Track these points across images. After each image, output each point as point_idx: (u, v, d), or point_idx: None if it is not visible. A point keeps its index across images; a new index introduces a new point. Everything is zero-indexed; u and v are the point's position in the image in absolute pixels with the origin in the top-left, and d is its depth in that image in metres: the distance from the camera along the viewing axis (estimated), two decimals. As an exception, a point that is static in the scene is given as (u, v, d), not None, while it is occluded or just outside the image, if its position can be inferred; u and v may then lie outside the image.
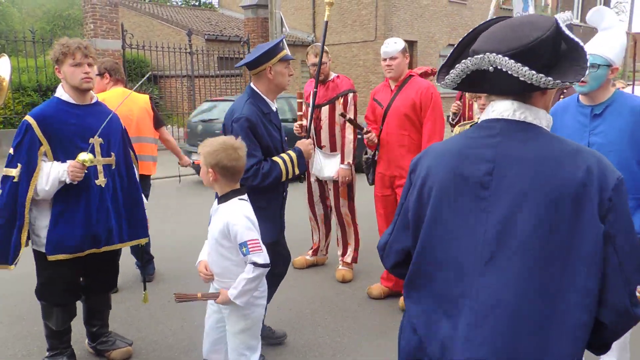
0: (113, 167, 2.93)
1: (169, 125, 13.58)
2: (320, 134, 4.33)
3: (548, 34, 1.18)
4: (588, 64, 1.19)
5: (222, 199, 2.33)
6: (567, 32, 1.19)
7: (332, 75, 4.31)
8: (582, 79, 1.19)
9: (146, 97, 4.42)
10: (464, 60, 1.22)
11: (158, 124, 4.45)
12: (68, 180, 2.69)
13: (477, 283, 1.22)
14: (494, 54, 1.18)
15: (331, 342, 3.38)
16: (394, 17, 18.59)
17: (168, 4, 35.49)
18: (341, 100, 4.23)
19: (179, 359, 3.18)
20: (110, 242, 2.92)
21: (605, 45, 2.43)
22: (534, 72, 1.16)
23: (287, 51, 3.01)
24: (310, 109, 3.46)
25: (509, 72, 1.17)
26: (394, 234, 1.49)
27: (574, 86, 2.50)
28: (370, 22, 18.73)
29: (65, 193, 2.76)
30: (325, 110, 4.26)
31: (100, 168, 2.84)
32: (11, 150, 2.73)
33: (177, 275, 4.46)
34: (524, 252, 1.17)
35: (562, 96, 4.05)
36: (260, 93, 2.95)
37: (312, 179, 4.53)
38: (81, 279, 3.05)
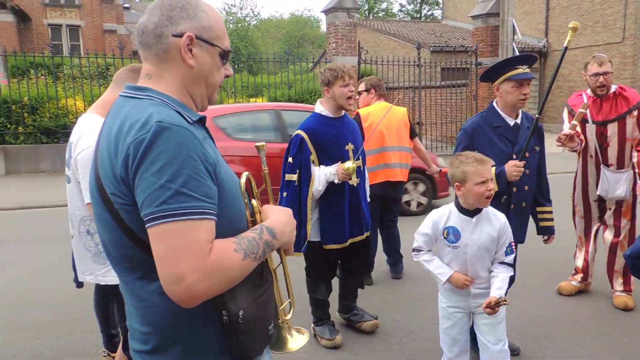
0: (361, 169, 3.45)
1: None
2: (606, 152, 3.95)
3: None
4: None
5: (478, 209, 2.50)
6: None
7: (613, 87, 3.93)
8: None
9: (404, 110, 4.84)
10: None
11: (412, 134, 4.83)
12: (336, 181, 3.23)
13: None
14: None
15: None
16: (648, 14, 16.22)
17: (393, 19, 36.96)
18: (635, 113, 3.82)
19: (436, 349, 3.43)
20: (362, 232, 3.47)
21: None
22: None
23: (521, 70, 2.98)
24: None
25: None
26: None
27: None
28: (616, 22, 16.68)
29: (329, 194, 3.31)
30: (612, 126, 3.87)
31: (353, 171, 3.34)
32: (290, 160, 3.31)
33: (422, 275, 4.76)
34: None
35: None
36: (496, 108, 3.13)
37: (592, 199, 4.17)
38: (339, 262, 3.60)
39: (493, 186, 2.45)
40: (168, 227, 1.10)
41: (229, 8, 48.20)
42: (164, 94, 1.26)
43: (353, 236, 3.41)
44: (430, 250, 2.62)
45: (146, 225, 1.12)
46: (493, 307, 2.30)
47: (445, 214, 2.56)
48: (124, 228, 1.19)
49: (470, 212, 2.50)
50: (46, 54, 12.39)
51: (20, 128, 11.22)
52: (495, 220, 2.52)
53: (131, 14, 31.89)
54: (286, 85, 13.72)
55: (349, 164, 3.17)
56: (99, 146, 1.25)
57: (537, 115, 3.06)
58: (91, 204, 1.27)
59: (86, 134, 2.15)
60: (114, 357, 3.10)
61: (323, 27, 52.46)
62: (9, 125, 11.17)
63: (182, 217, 1.11)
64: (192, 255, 1.11)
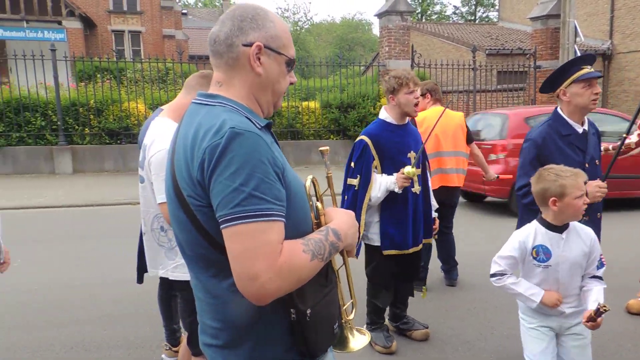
0: (422, 176, 3.46)
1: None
2: None
3: None
4: None
5: (566, 224, 2.38)
6: None
7: None
8: None
9: (461, 114, 4.77)
10: None
11: (470, 139, 4.75)
12: (397, 190, 3.21)
13: None
14: None
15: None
16: None
17: (447, 22, 36.40)
18: None
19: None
20: (421, 241, 3.44)
21: None
22: None
23: (587, 69, 2.85)
24: None
25: None
26: None
27: None
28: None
29: (392, 200, 3.29)
30: None
31: (415, 178, 3.32)
32: (352, 164, 3.34)
33: (478, 283, 4.67)
34: None
35: None
36: (562, 115, 2.91)
37: None
38: None
39: (588, 200, 2.33)
40: (242, 228, 1.15)
41: (282, 12, 48.95)
42: (234, 100, 1.32)
43: (416, 244, 3.40)
44: (513, 274, 2.47)
45: (221, 226, 1.18)
46: (595, 319, 2.17)
47: (530, 232, 2.41)
48: (200, 228, 1.26)
49: (559, 228, 2.37)
50: (111, 59, 13.03)
51: (86, 129, 11.85)
52: (584, 234, 2.41)
53: (188, 19, 32.98)
54: (338, 88, 13.78)
55: (408, 169, 3.16)
56: (176, 151, 1.32)
57: (624, 135, 2.91)
58: (167, 204, 1.34)
59: (159, 137, 2.27)
60: (175, 351, 3.23)
61: (375, 31, 52.36)
62: (77, 127, 11.81)
63: (254, 219, 1.16)
64: (265, 255, 1.16)
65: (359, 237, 3.31)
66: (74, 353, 3.51)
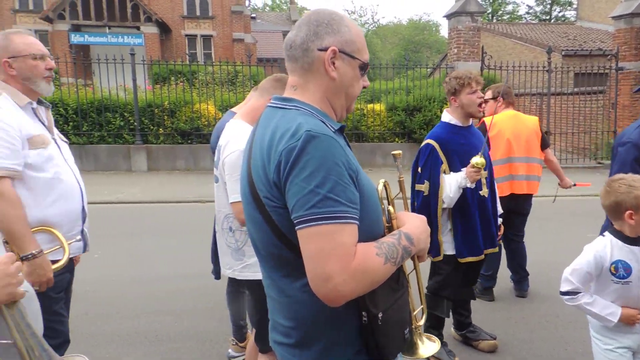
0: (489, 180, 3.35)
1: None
2: None
3: None
4: None
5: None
6: None
7: None
8: None
9: (535, 119, 4.58)
10: None
11: (544, 145, 4.54)
12: (468, 184, 3.08)
13: None
14: None
15: None
16: None
17: (520, 22, 35.09)
18: None
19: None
20: (495, 245, 3.35)
21: None
22: None
23: None
24: None
25: None
26: None
27: None
28: None
29: (461, 204, 3.18)
30: None
31: (483, 180, 3.22)
32: (419, 169, 3.25)
33: (550, 295, 4.45)
34: None
35: None
36: None
37: None
38: None
39: None
40: (317, 230, 1.17)
41: (349, 15, 49.10)
42: (308, 104, 1.34)
43: (486, 248, 3.30)
44: (586, 292, 2.33)
45: (296, 227, 1.20)
46: None
47: (606, 246, 2.26)
48: (275, 229, 1.29)
49: (636, 240, 2.22)
50: (184, 63, 13.60)
51: (160, 129, 12.43)
52: None
53: (257, 23, 33.81)
54: (404, 91, 13.62)
55: (476, 159, 3.01)
56: (252, 153, 1.35)
57: None
58: (243, 205, 1.38)
59: (234, 138, 2.35)
60: (242, 347, 3.32)
61: (442, 32, 51.31)
62: (152, 127, 12.42)
63: (329, 221, 1.17)
64: (339, 257, 1.17)
65: (439, 244, 3.23)
66: (148, 343, 3.69)
